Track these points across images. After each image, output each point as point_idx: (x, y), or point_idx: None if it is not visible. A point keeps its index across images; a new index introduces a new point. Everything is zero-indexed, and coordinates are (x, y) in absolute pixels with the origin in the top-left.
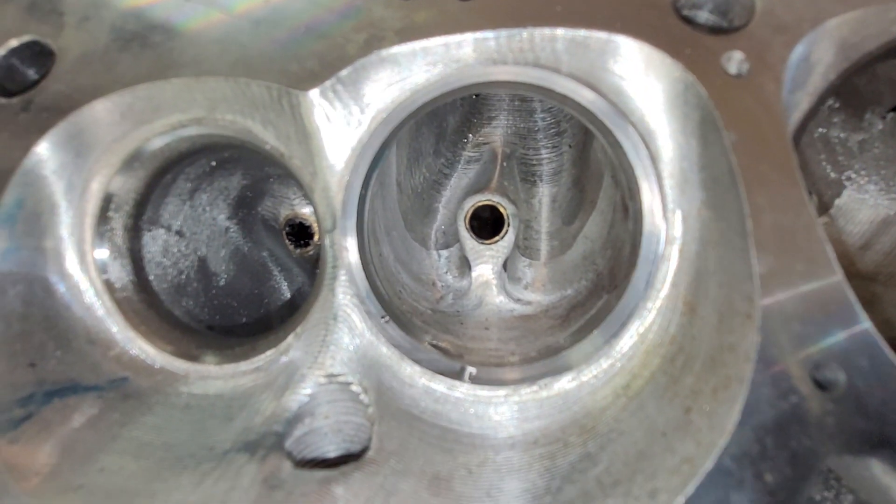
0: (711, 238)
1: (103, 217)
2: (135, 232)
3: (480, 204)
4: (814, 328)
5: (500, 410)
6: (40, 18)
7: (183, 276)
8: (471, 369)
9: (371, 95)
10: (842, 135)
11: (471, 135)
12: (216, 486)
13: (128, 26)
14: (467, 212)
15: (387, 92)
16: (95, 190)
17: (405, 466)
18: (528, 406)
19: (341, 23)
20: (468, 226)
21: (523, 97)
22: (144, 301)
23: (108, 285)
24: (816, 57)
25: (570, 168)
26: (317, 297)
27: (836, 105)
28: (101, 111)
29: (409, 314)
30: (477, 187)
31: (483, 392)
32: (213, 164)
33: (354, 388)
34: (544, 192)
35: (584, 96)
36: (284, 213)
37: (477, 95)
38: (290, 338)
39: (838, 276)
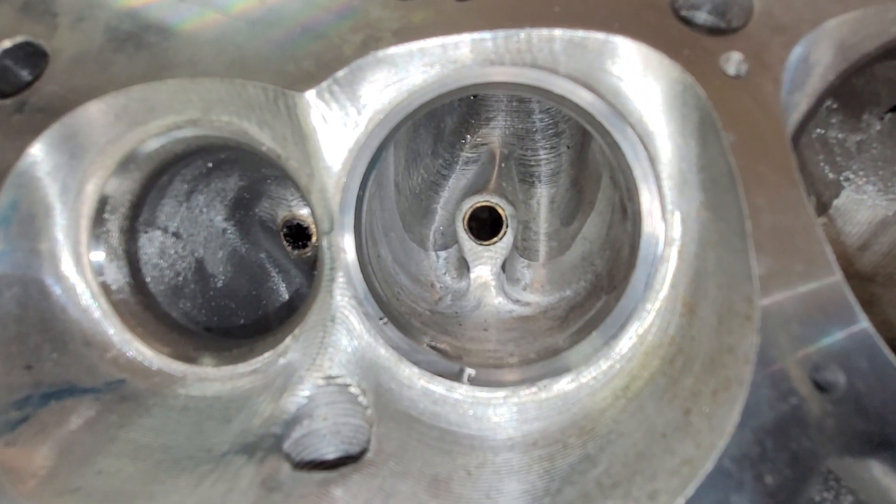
0: (710, 239)
1: (99, 219)
2: (131, 234)
3: (479, 205)
4: (813, 329)
5: (499, 412)
6: (34, 19)
7: (180, 278)
8: (469, 371)
9: (368, 96)
10: (840, 135)
11: (469, 136)
12: (214, 488)
13: (122, 27)
14: (465, 213)
15: (384, 93)
16: (90, 192)
17: (404, 468)
18: (527, 407)
19: (338, 23)
20: (466, 227)
21: (521, 98)
22: (141, 303)
23: (105, 287)
24: (815, 58)
25: (568, 169)
26: (315, 299)
27: (835, 106)
28: (95, 112)
29: (407, 315)
30: (475, 188)
31: (482, 393)
32: (210, 165)
33: (353, 389)
34: (543, 193)
35: (583, 97)
36: (282, 214)
37: (475, 96)
38: (288, 339)
39: (837, 277)
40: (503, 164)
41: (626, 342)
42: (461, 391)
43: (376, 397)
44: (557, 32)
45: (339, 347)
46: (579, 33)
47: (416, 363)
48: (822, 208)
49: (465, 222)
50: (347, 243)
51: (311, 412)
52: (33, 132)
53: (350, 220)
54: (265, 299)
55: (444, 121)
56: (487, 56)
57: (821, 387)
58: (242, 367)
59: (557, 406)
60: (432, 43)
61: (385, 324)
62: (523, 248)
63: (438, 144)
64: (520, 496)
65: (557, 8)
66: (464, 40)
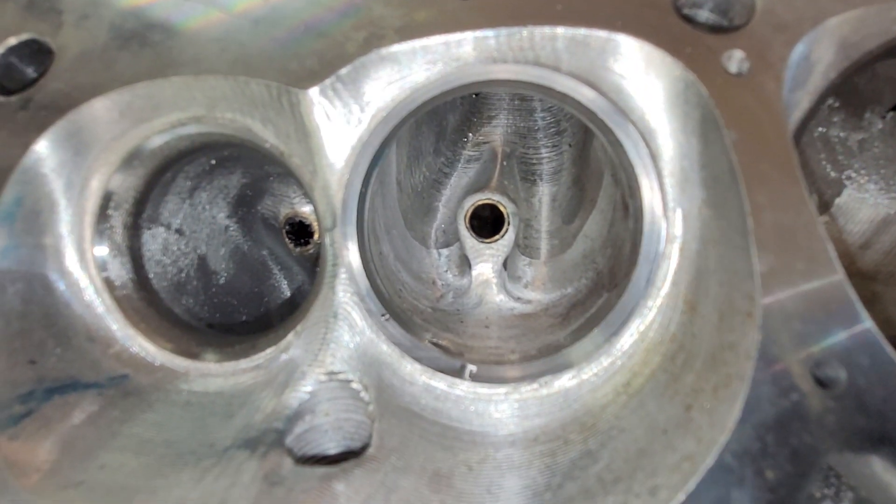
0: (712, 236)
1: (103, 215)
2: (134, 230)
3: (480, 203)
4: (815, 327)
5: (501, 408)
6: (39, 17)
7: (183, 275)
8: (471, 367)
9: (371, 94)
10: (842, 134)
11: (471, 134)
12: (217, 483)
13: (127, 25)
14: (467, 210)
15: (387, 90)
16: (95, 188)
17: (406, 463)
18: (529, 404)
19: (341, 21)
20: (468, 224)
21: (523, 96)
22: (144, 299)
23: (108, 283)
24: (817, 56)
25: (570, 167)
26: (317, 296)
27: (836, 104)
28: (100, 109)
29: (409, 312)
30: (477, 186)
31: (483, 390)
32: (213, 162)
33: (355, 385)
34: (544, 191)
35: (585, 95)
36: (284, 211)
37: (477, 94)
38: (291, 336)
39: (839, 275)
40: (505, 162)
41: (628, 339)
42: (463, 387)
43: (378, 393)
44: (560, 30)
45: (342, 343)
46: (582, 31)
47: (418, 359)
48: (824, 207)
49: (467, 220)
50: (350, 240)
51: (313, 408)
52: (38, 129)
53: (352, 217)
54: (267, 296)
55: (447, 118)
56: (490, 54)
57: (822, 383)
58: (245, 363)
59: (559, 402)
60: (435, 41)
61: (387, 320)
62: (525, 246)
63: (440, 142)
64: (521, 491)
65: (560, 6)
66: (466, 38)
